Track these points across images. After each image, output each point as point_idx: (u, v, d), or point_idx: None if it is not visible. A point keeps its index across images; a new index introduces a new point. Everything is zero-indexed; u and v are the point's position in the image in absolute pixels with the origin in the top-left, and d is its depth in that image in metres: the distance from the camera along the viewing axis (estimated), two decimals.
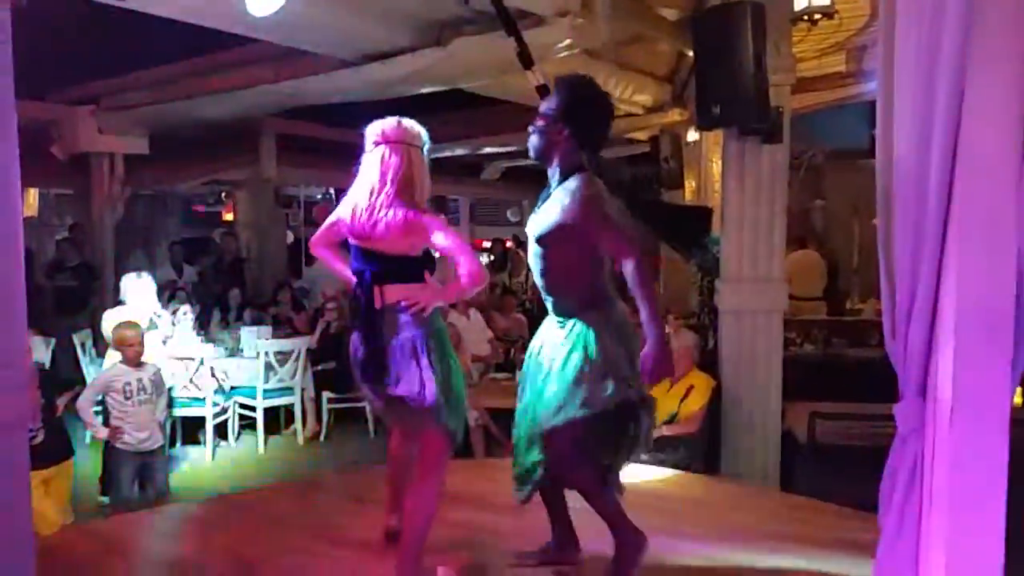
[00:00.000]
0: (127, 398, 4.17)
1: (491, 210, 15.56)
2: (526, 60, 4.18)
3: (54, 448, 3.86)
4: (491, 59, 5.23)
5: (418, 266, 2.57)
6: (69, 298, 8.02)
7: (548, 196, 2.62)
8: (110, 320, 5.01)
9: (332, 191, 13.07)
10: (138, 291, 5.07)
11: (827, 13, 4.00)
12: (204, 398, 6.02)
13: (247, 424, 6.61)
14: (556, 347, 2.58)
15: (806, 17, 3.98)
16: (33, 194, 11.75)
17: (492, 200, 15.15)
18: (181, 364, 5.88)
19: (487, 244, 12.32)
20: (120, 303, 5.20)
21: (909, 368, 2.09)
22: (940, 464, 2.00)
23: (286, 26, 4.90)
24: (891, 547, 2.21)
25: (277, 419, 6.77)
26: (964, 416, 1.94)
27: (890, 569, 2.21)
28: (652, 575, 2.69)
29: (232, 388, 6.48)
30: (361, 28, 5.23)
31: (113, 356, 4.76)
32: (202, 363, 5.97)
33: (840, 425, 3.94)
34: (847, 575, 2.56)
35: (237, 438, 6.62)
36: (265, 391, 6.33)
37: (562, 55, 5.78)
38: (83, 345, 6.58)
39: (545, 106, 2.59)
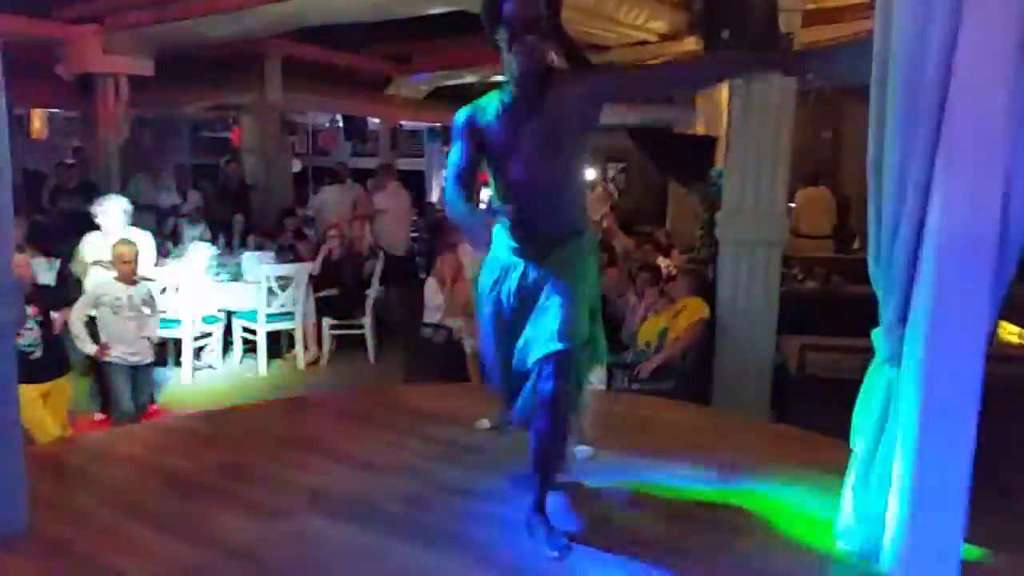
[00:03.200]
0: (115, 313, 4.23)
1: None
2: None
3: (52, 363, 3.94)
4: None
5: None
6: (74, 220, 8.04)
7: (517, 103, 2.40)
8: (88, 244, 5.02)
9: (340, 118, 12.94)
10: (108, 212, 4.95)
11: None
12: (182, 320, 6.09)
13: (250, 347, 6.70)
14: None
15: None
16: (40, 116, 11.74)
17: None
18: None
19: None
20: (95, 227, 5.12)
21: (892, 294, 2.08)
22: (915, 390, 2.00)
23: None
24: (864, 469, 2.24)
25: (279, 344, 6.85)
26: (941, 342, 1.94)
27: (861, 489, 2.24)
28: (634, 500, 2.74)
29: (234, 312, 6.55)
30: None
31: (95, 275, 4.79)
32: (166, 287, 5.99)
33: (830, 357, 3.95)
34: (821, 497, 2.59)
35: (240, 361, 6.72)
36: (267, 315, 6.39)
37: None
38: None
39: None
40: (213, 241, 7.57)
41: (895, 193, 1.97)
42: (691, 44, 7.79)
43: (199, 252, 6.51)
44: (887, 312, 2.09)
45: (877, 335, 2.15)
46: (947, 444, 1.97)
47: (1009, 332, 6.04)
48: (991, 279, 1.89)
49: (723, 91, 6.52)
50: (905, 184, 1.93)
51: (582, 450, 3.05)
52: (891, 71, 1.93)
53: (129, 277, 4.31)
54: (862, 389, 2.27)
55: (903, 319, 2.06)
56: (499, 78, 9.49)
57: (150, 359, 4.51)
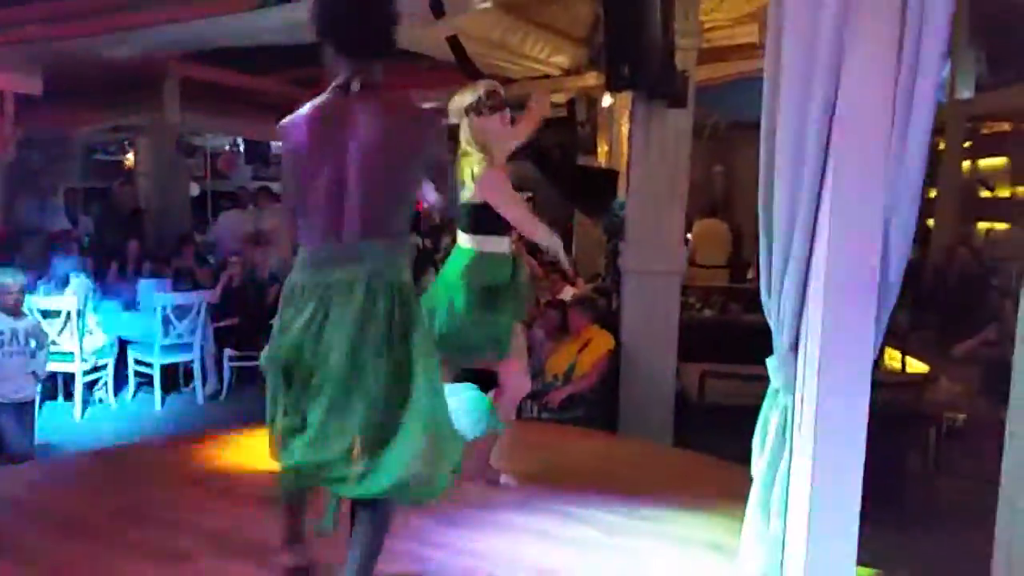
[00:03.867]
0: None
1: None
2: (437, 10, 4.11)
3: None
4: (405, 5, 5.11)
5: None
6: None
7: None
8: None
9: (239, 141, 12.64)
10: None
11: None
12: (73, 353, 5.78)
13: (145, 381, 6.40)
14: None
15: None
16: None
17: None
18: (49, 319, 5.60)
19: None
20: None
21: (783, 324, 2.18)
22: (807, 415, 2.09)
23: None
24: (762, 493, 2.32)
25: (176, 377, 6.57)
26: (830, 371, 2.04)
27: (760, 514, 2.32)
28: (541, 529, 2.76)
29: (128, 343, 6.26)
30: None
31: None
32: (69, 317, 5.69)
33: (728, 384, 4.09)
34: (723, 523, 2.67)
35: (134, 396, 6.42)
36: (163, 347, 6.13)
37: (479, 7, 5.72)
38: None
39: None
40: (105, 268, 7.23)
41: (784, 230, 2.07)
42: (592, 79, 8.02)
43: (74, 287, 6.16)
44: (779, 341, 2.19)
45: (771, 363, 2.25)
46: (839, 467, 2.07)
47: (892, 358, 6.42)
48: (874, 310, 2.01)
49: (626, 127, 6.73)
50: (793, 221, 2.03)
51: (506, 479, 3.07)
52: (779, 113, 2.04)
53: (13, 309, 4.08)
54: (760, 416, 2.36)
55: (795, 347, 2.16)
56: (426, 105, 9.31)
57: (34, 396, 4.26)
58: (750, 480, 2.39)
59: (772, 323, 2.23)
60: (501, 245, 2.92)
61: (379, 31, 2.16)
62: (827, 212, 1.99)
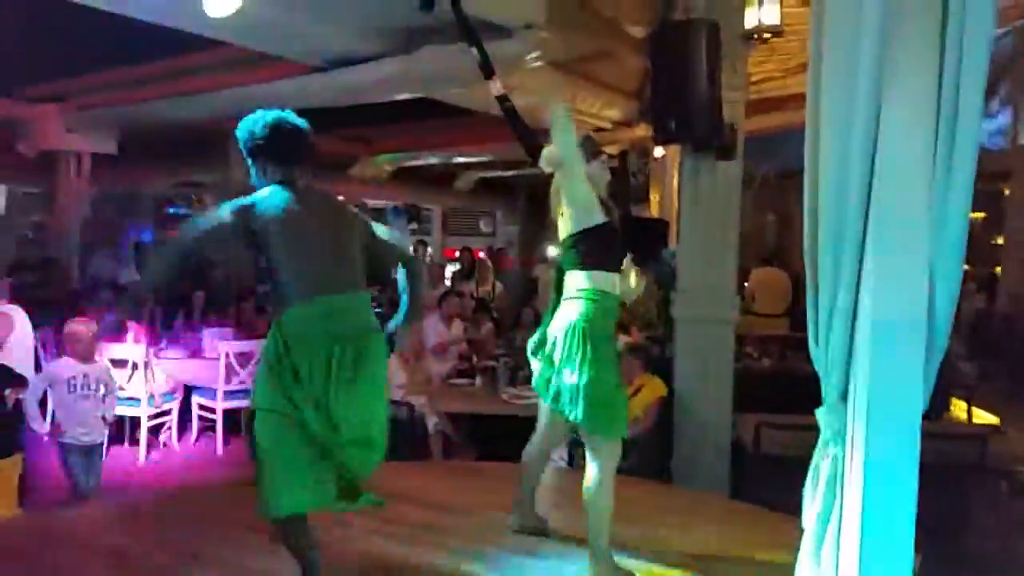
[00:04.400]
0: (69, 392, 4.18)
1: (464, 220, 15.63)
2: (487, 70, 4.24)
3: (1, 442, 3.85)
4: (457, 69, 5.30)
5: None
6: (30, 295, 7.94)
7: None
8: None
9: None
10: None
11: (776, 32, 4.12)
12: (140, 399, 5.99)
13: (208, 426, 6.58)
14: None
15: (756, 36, 4.09)
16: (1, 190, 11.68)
17: (465, 210, 15.21)
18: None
19: (457, 254, 12.37)
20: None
21: (831, 374, 2.17)
22: (856, 465, 2.08)
23: (251, 29, 4.94)
24: (813, 544, 2.28)
25: (238, 421, 6.73)
26: (878, 420, 2.02)
27: (811, 565, 2.29)
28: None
29: (193, 389, 6.47)
30: (327, 34, 5.29)
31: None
32: (136, 366, 5.92)
33: (785, 435, 4.02)
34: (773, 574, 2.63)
35: (196, 439, 6.60)
36: (225, 392, 6.31)
37: (531, 67, 5.88)
38: (43, 343, 6.52)
39: None
40: (172, 317, 7.51)
41: (830, 280, 2.08)
42: (643, 130, 8.11)
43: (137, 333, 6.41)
44: (829, 391, 2.18)
45: (821, 413, 2.24)
46: (889, 518, 2.04)
47: (959, 409, 6.22)
48: (922, 360, 2.00)
49: (675, 177, 6.78)
50: (838, 271, 2.05)
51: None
52: (821, 165, 2.07)
53: (84, 356, 4.28)
54: (810, 466, 2.34)
55: (844, 397, 2.15)
56: (459, 160, 9.77)
57: (103, 439, 4.43)
58: (801, 531, 2.36)
59: (820, 373, 2.23)
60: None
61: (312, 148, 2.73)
62: (870, 262, 2.00)
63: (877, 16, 1.92)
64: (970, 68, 1.89)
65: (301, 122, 2.70)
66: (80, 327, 4.27)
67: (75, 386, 4.21)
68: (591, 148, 3.08)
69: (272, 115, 2.67)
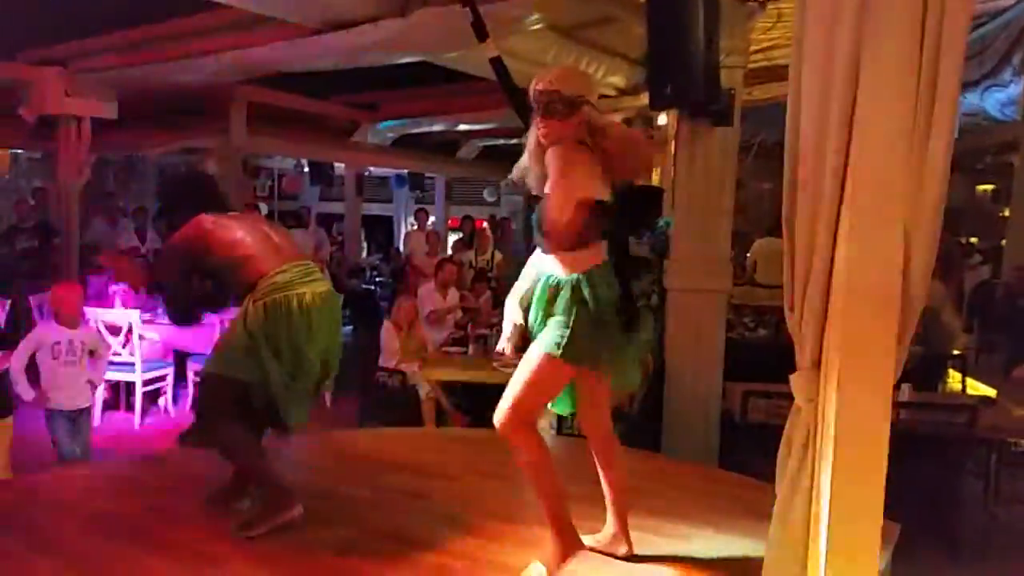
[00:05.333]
0: (55, 358, 4.20)
1: (467, 189, 15.56)
2: (480, 32, 4.20)
3: None
4: (454, 31, 5.22)
5: None
6: (28, 259, 7.99)
7: None
8: None
9: (304, 162, 13.01)
10: None
11: None
12: (134, 364, 6.04)
13: None
14: None
15: (755, 0, 4.02)
16: (2, 156, 11.67)
17: (468, 179, 15.14)
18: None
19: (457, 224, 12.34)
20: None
21: (805, 340, 2.16)
22: (828, 433, 2.07)
23: None
24: (785, 512, 2.29)
25: None
26: (850, 387, 2.01)
27: (784, 532, 2.29)
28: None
29: (187, 355, 6.51)
30: None
31: None
32: (129, 330, 5.96)
33: (771, 404, 4.02)
34: (749, 542, 2.64)
35: (192, 405, 6.64)
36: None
37: (532, 28, 5.80)
38: (40, 307, 6.56)
39: None
40: None
41: (805, 245, 2.06)
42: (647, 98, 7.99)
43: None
44: (802, 357, 2.17)
45: (794, 380, 2.23)
46: (859, 485, 2.04)
47: (955, 380, 6.19)
48: (896, 326, 1.98)
49: (671, 145, 6.71)
50: (813, 236, 2.02)
51: None
52: (800, 131, 2.04)
53: (71, 321, 4.29)
54: (784, 434, 2.33)
55: (817, 364, 2.13)
56: (463, 127, 9.64)
57: (89, 403, 4.46)
58: (775, 498, 2.36)
59: (795, 339, 2.21)
60: None
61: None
62: (846, 227, 1.98)
63: None
64: (950, 32, 1.85)
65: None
66: (65, 292, 4.28)
67: (60, 351, 4.22)
68: None
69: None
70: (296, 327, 2.81)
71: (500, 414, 2.50)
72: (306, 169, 13.29)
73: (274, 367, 2.79)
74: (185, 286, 3.02)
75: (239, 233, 2.95)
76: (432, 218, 12.60)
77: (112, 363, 5.61)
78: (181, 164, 12.45)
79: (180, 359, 6.59)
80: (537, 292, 2.59)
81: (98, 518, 2.90)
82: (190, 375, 6.59)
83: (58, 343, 4.23)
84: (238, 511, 2.91)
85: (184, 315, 3.16)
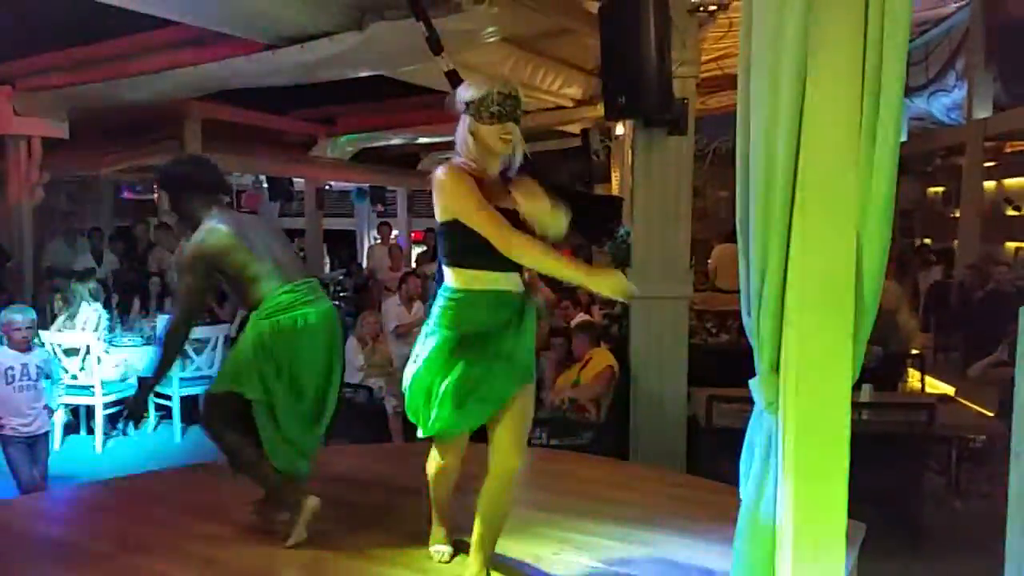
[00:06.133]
0: (8, 383, 4.10)
1: (430, 201, 15.48)
2: (434, 45, 4.20)
3: None
4: (410, 45, 5.22)
5: None
6: None
7: None
8: None
9: (263, 178, 12.88)
10: None
11: (722, 5, 4.10)
12: (93, 387, 5.92)
13: (165, 414, 6.50)
14: None
15: (701, 9, 4.07)
16: None
17: (429, 191, 15.09)
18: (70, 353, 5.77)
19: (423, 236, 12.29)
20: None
21: (763, 344, 2.18)
22: (789, 436, 2.09)
23: (196, 5, 4.82)
24: (749, 516, 2.30)
25: (195, 408, 6.66)
26: (809, 390, 2.04)
27: (750, 535, 2.30)
28: (540, 557, 2.76)
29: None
30: (278, 10, 5.18)
31: None
32: (88, 352, 5.84)
33: (734, 408, 4.06)
34: (716, 547, 2.65)
35: (155, 429, 6.52)
36: (182, 380, 6.23)
37: (488, 41, 5.82)
38: None
39: None
40: (127, 304, 7.39)
41: (760, 247, 2.08)
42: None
43: (87, 313, 6.33)
44: (760, 361, 2.19)
45: (754, 384, 2.25)
46: (822, 488, 2.06)
47: (914, 379, 6.32)
48: (851, 328, 2.01)
49: (627, 154, 6.78)
50: (766, 240, 2.05)
51: None
52: (750, 138, 2.06)
53: (21, 345, 4.19)
54: (745, 438, 2.35)
55: (776, 368, 2.15)
56: (423, 140, 9.63)
57: (46, 428, 4.35)
58: (740, 501, 2.37)
59: (753, 343, 2.23)
60: None
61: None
62: (798, 232, 2.00)
63: None
64: (891, 41, 1.89)
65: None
66: (16, 316, 4.17)
67: (13, 376, 4.12)
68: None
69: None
70: (300, 346, 2.82)
71: None
72: (265, 185, 13.15)
73: (276, 385, 2.80)
74: (203, 293, 3.01)
75: (251, 251, 2.89)
76: (395, 231, 12.54)
77: (71, 386, 5.49)
78: (136, 183, 12.28)
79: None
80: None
81: (59, 546, 2.82)
82: (151, 397, 6.46)
83: (11, 368, 4.12)
84: (280, 522, 2.89)
85: (190, 323, 3.06)
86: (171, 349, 2.96)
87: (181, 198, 3.00)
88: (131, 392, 6.25)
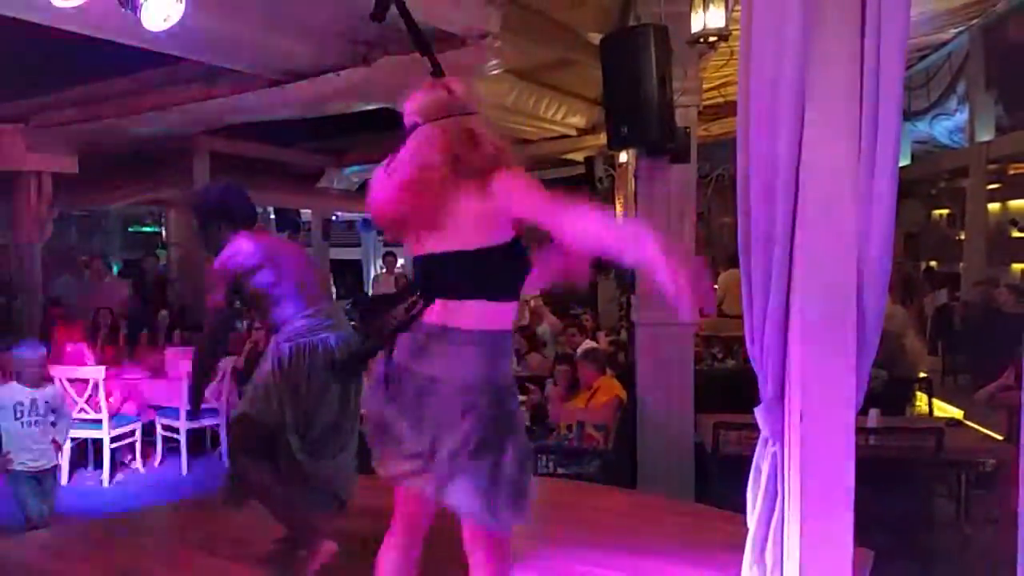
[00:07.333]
0: (17, 418, 4.11)
1: None
2: (437, 76, 4.24)
3: None
4: (415, 78, 5.29)
5: None
6: None
7: None
8: None
9: (270, 209, 12.95)
10: None
11: (722, 36, 4.16)
12: (101, 421, 5.91)
13: (172, 446, 6.50)
14: None
15: (702, 40, 4.13)
16: None
17: None
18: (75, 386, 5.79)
19: None
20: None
21: (767, 373, 2.19)
22: (794, 463, 2.09)
23: (201, 43, 4.91)
24: (757, 543, 2.30)
25: (203, 440, 6.67)
26: (812, 419, 2.04)
27: (756, 563, 2.30)
28: None
29: (157, 409, 6.40)
30: (283, 46, 5.27)
31: None
32: (96, 386, 5.86)
33: (740, 435, 4.04)
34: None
35: (161, 460, 6.51)
36: (189, 412, 6.23)
37: (491, 73, 5.90)
38: (1, 367, 6.41)
39: None
40: (136, 337, 7.42)
41: (761, 281, 2.10)
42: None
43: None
44: (765, 390, 2.20)
45: (759, 412, 2.25)
46: (827, 514, 2.05)
47: (922, 403, 6.28)
48: (854, 357, 2.02)
49: (630, 183, 6.82)
50: (769, 273, 2.07)
51: None
52: (750, 167, 2.09)
53: (33, 381, 4.21)
54: (752, 465, 2.36)
55: (780, 396, 2.17)
56: None
57: (55, 464, 4.36)
58: (747, 530, 2.37)
59: (757, 372, 2.25)
60: None
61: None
62: (800, 264, 2.02)
63: (799, 13, 1.94)
64: (887, 67, 1.92)
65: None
66: (27, 353, 4.20)
67: (22, 412, 4.13)
68: None
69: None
70: (317, 372, 2.82)
71: None
72: (272, 215, 13.23)
73: (290, 411, 2.81)
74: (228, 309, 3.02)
75: (276, 272, 2.91)
76: (400, 261, 12.58)
77: (78, 419, 5.50)
78: (146, 216, 12.36)
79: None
80: None
81: None
82: (159, 429, 6.48)
83: (20, 403, 4.13)
84: (302, 558, 2.88)
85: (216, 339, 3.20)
86: (200, 365, 3.13)
87: (211, 225, 3.01)
88: (136, 423, 6.28)
